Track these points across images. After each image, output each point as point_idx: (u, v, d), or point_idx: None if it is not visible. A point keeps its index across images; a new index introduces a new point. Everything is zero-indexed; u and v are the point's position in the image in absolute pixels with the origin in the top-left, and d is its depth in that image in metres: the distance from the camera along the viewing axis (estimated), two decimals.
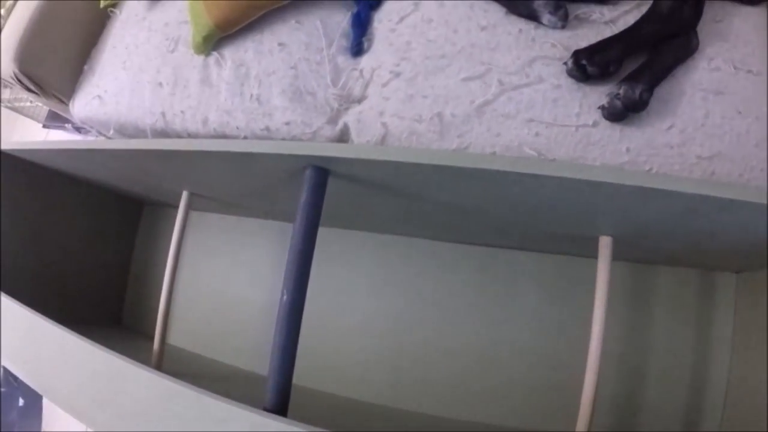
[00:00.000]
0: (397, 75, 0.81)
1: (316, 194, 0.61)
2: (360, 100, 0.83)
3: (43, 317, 0.67)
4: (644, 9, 0.76)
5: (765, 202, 0.49)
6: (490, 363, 0.92)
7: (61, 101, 1.11)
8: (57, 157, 0.89)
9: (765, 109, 0.72)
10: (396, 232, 0.99)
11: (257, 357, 1.06)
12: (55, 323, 0.65)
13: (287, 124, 0.85)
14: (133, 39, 1.02)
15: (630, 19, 0.76)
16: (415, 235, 0.98)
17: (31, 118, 1.65)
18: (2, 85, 1.13)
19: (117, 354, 0.57)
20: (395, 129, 0.79)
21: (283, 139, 0.86)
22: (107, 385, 0.57)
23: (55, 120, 1.62)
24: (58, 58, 1.07)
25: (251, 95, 0.87)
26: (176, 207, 0.99)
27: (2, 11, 1.13)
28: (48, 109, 1.60)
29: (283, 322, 0.57)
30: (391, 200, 0.71)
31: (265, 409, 0.54)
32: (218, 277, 1.14)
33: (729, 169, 0.71)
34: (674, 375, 0.85)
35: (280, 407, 0.55)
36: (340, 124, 0.83)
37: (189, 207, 0.92)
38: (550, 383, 0.89)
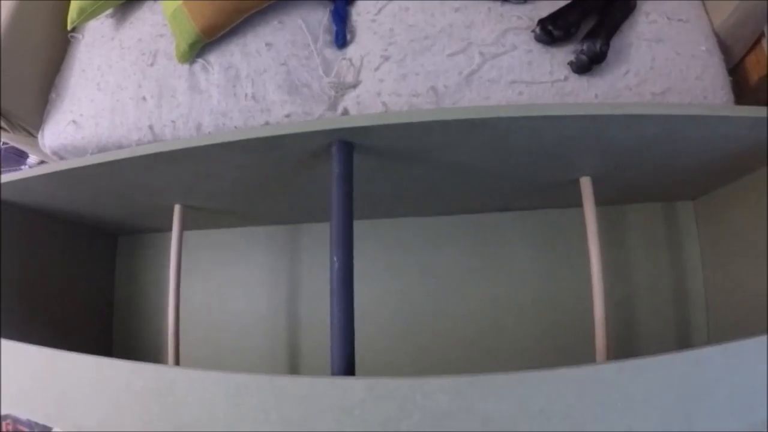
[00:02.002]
0: (387, 58, 0.87)
1: (347, 166, 0.64)
2: (355, 86, 0.88)
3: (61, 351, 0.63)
4: None
5: (710, 113, 0.60)
6: (498, 320, 0.99)
7: (30, 134, 1.07)
8: (50, 183, 0.85)
9: (699, 48, 0.85)
10: (390, 214, 1.04)
11: (269, 363, 1.05)
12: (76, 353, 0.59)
13: (288, 116, 0.87)
14: (105, 59, 1.01)
15: None
16: (409, 214, 1.04)
17: None
18: None
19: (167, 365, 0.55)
20: (395, 105, 0.84)
21: None
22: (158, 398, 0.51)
23: (5, 164, 1.52)
24: (24, 89, 1.03)
25: (246, 94, 0.89)
26: (156, 231, 0.96)
27: None
28: None
29: (337, 288, 0.59)
30: (401, 168, 0.76)
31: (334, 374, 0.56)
32: (213, 293, 1.12)
33: (679, 100, 0.84)
34: (658, 299, 0.96)
35: (349, 370, 0.57)
36: (341, 109, 0.87)
37: (182, 222, 0.91)
38: (557, 327, 0.97)
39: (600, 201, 0.96)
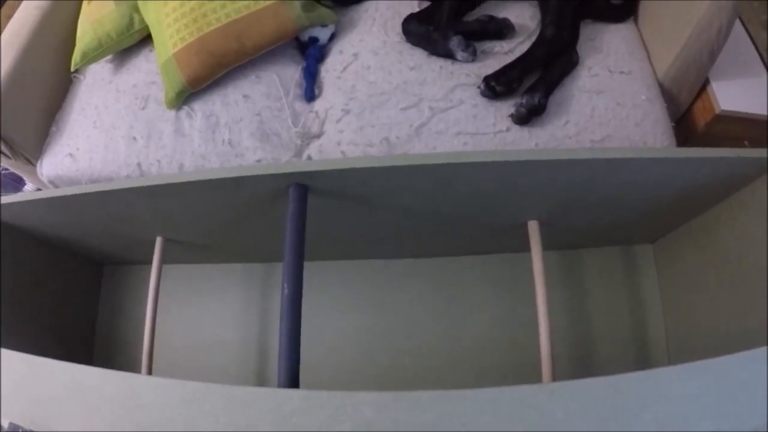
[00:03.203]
0: (347, 112, 0.98)
1: (301, 205, 0.74)
2: (319, 135, 0.99)
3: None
4: (534, 38, 0.99)
5: (644, 156, 0.65)
6: (456, 358, 1.04)
7: (29, 162, 1.18)
8: (46, 208, 0.93)
9: (640, 98, 0.94)
10: (355, 256, 1.12)
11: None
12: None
13: (258, 161, 0.98)
14: (102, 100, 1.13)
15: (524, 48, 0.99)
16: (373, 256, 1.12)
17: None
18: None
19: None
20: (351, 154, 0.96)
21: None
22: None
23: (3, 189, 1.63)
24: (28, 120, 1.14)
25: (223, 140, 1.00)
26: (140, 263, 0.99)
27: None
28: None
29: (286, 311, 0.68)
30: (356, 210, 0.86)
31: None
32: (189, 323, 1.17)
33: (618, 146, 0.91)
34: (618, 341, 0.99)
35: (293, 383, 0.66)
36: (305, 156, 0.98)
37: (163, 253, 0.98)
38: (511, 367, 1.01)
39: (557, 245, 1.03)
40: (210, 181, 0.76)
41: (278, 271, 1.14)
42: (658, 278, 1.01)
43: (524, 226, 0.88)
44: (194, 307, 1.19)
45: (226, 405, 0.52)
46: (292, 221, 0.73)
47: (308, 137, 0.99)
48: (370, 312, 1.10)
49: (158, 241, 0.99)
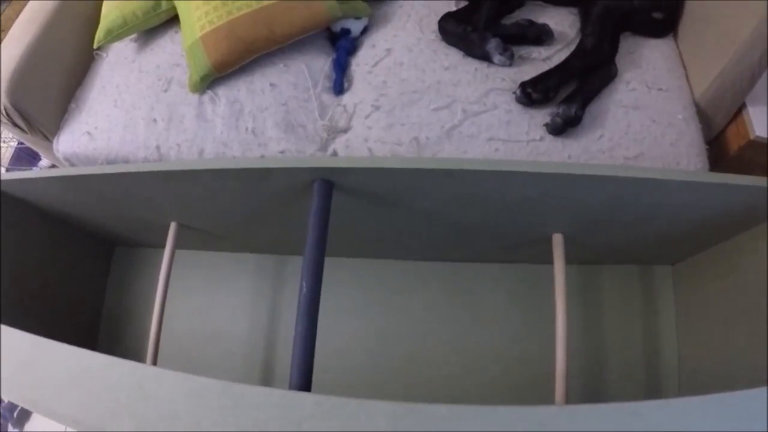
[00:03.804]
0: (377, 108, 0.96)
1: (325, 201, 0.72)
2: (346, 130, 0.96)
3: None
4: (573, 47, 0.96)
5: (679, 178, 0.63)
6: (465, 367, 1.01)
7: (45, 138, 1.15)
8: (60, 186, 0.92)
9: (676, 117, 0.91)
10: (370, 254, 1.09)
11: (243, 381, 1.09)
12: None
13: (282, 152, 0.96)
14: (124, 80, 1.10)
15: (562, 56, 0.96)
16: (389, 256, 1.09)
17: None
18: None
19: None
20: (379, 152, 0.93)
21: None
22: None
23: (18, 163, 1.61)
24: (47, 95, 1.11)
25: (246, 128, 0.97)
26: (151, 246, 0.97)
27: None
28: (11, 153, 1.59)
29: (303, 311, 0.65)
30: (379, 210, 0.83)
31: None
32: (198, 310, 1.16)
33: (651, 165, 0.89)
34: (630, 362, 0.97)
35: (306, 386, 0.63)
36: (330, 150, 0.96)
37: (176, 238, 0.96)
38: (521, 379, 0.98)
39: (577, 260, 0.99)
40: (233, 170, 0.74)
41: (291, 265, 1.15)
42: (674, 301, 0.98)
43: (548, 239, 0.85)
44: (203, 294, 1.17)
45: (235, 404, 0.50)
46: (315, 217, 0.70)
47: (335, 131, 0.96)
48: (380, 313, 1.08)
49: (172, 226, 0.97)
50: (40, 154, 1.38)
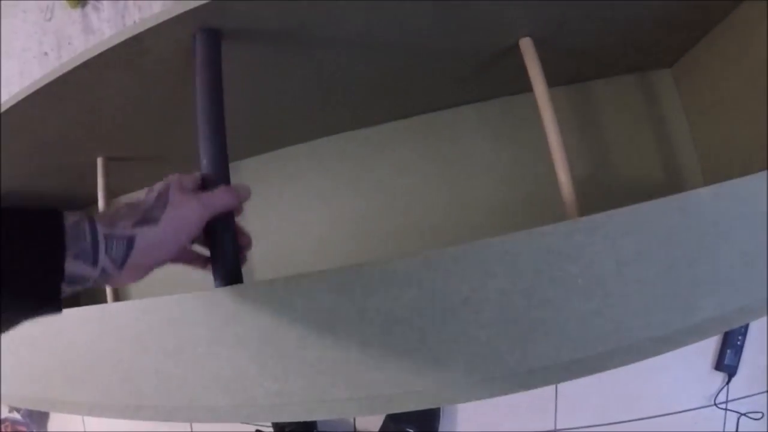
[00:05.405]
0: None
1: (212, 53, 0.57)
2: None
3: None
4: None
5: None
6: (465, 228, 0.91)
7: None
8: None
9: None
10: (325, 132, 0.96)
11: None
12: None
13: None
14: (10, 27, 0.98)
15: None
16: (345, 128, 0.95)
17: None
18: None
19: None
20: None
21: None
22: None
23: None
24: None
25: (134, 20, 0.85)
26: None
27: None
28: None
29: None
30: (290, 58, 0.68)
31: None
32: None
33: None
34: (647, 173, 0.86)
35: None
36: None
37: (107, 176, 0.86)
38: (530, 224, 0.87)
39: (562, 79, 0.86)
40: (103, 54, 0.61)
41: (240, 171, 0.99)
42: (682, 105, 0.86)
43: (516, 48, 0.70)
44: None
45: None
46: (201, 75, 0.56)
47: None
48: (356, 193, 0.95)
49: (99, 162, 0.87)
50: None
